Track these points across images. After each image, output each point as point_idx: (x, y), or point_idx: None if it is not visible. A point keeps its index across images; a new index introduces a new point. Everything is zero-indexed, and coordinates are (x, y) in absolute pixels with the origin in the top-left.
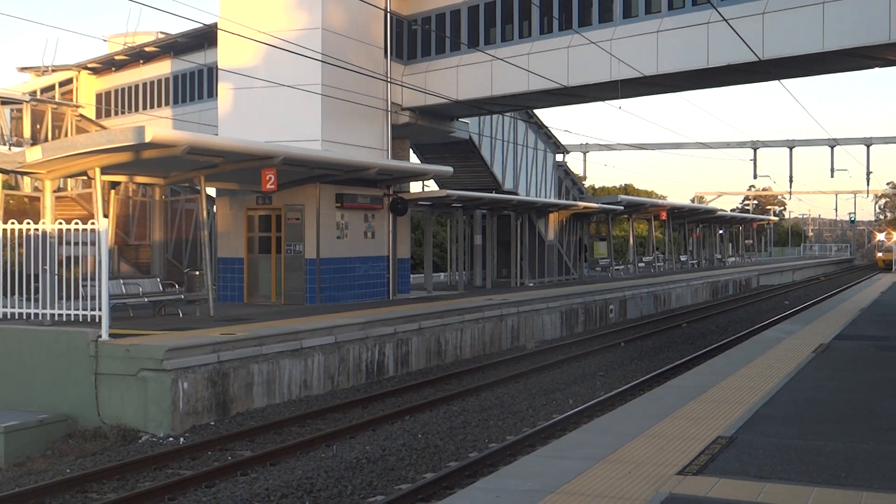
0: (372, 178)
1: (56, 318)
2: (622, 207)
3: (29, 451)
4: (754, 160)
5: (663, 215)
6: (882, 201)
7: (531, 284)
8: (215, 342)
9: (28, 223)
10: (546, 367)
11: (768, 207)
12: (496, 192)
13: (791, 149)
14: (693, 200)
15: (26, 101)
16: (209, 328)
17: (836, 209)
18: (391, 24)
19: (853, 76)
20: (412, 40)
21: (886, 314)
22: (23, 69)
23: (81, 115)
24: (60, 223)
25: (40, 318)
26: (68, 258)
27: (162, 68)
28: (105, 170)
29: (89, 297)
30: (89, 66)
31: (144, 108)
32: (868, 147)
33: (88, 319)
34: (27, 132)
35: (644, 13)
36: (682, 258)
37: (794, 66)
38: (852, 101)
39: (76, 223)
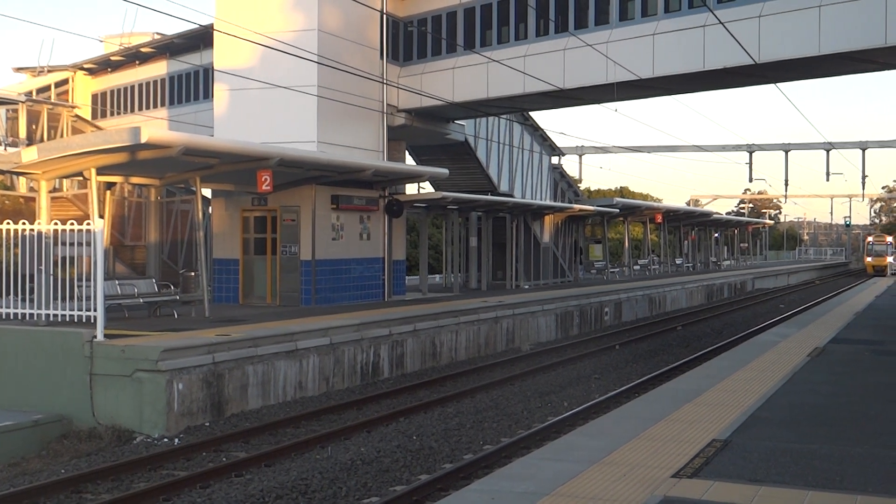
0: (367, 179)
1: (51, 318)
2: (618, 210)
3: (23, 451)
4: (750, 163)
5: (659, 218)
6: (877, 205)
7: (526, 287)
8: (210, 343)
9: (24, 223)
10: (541, 369)
11: (764, 211)
12: (492, 195)
13: (787, 152)
14: (688, 203)
15: (22, 102)
16: (204, 329)
17: (831, 213)
18: (387, 25)
19: (849, 80)
20: (408, 42)
21: (881, 318)
22: (18, 69)
23: (77, 116)
24: (56, 224)
25: (35, 318)
26: (64, 259)
27: (158, 69)
28: (101, 170)
29: (84, 297)
30: (85, 66)
31: (140, 108)
32: (863, 151)
33: (84, 320)
34: (23, 132)
35: (640, 16)
36: (678, 261)
37: (790, 70)
38: (848, 104)
39: (72, 224)
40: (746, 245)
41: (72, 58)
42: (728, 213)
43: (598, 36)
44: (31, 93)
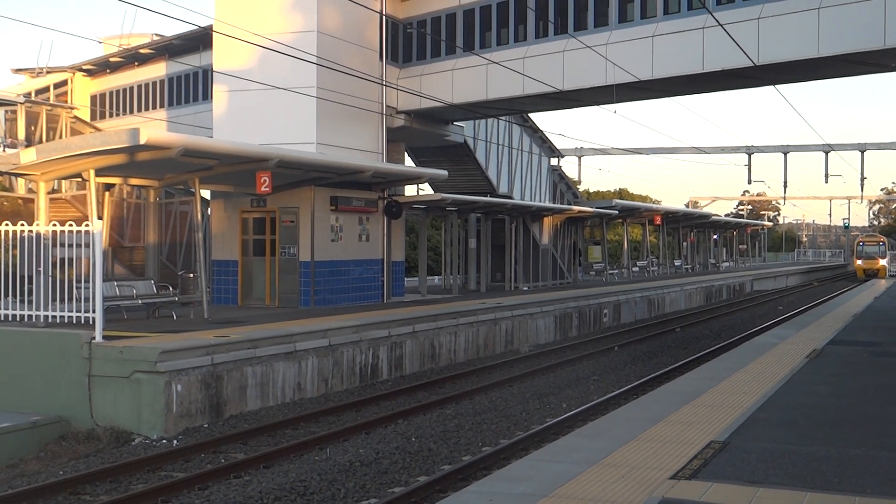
0: (367, 181)
1: (50, 319)
2: (617, 212)
3: (22, 452)
4: (749, 165)
5: (658, 220)
6: (876, 207)
7: (525, 288)
8: (209, 345)
9: (22, 225)
10: (540, 370)
11: (762, 212)
12: (491, 196)
13: (785, 154)
14: (687, 205)
15: (21, 103)
16: (203, 330)
17: (830, 215)
18: (386, 27)
19: (848, 82)
20: (407, 43)
21: (880, 320)
22: (17, 71)
23: (76, 117)
24: (54, 225)
25: (34, 319)
26: (62, 260)
27: (157, 70)
28: (99, 172)
29: (83, 298)
30: (84, 67)
31: (139, 110)
32: (862, 153)
33: (82, 321)
34: (21, 134)
35: (640, 18)
36: (677, 263)
37: (789, 72)
38: (847, 106)
39: (70, 225)
40: (745, 247)
41: (71, 59)
42: (727, 215)
43: (597, 38)
44: (29, 94)
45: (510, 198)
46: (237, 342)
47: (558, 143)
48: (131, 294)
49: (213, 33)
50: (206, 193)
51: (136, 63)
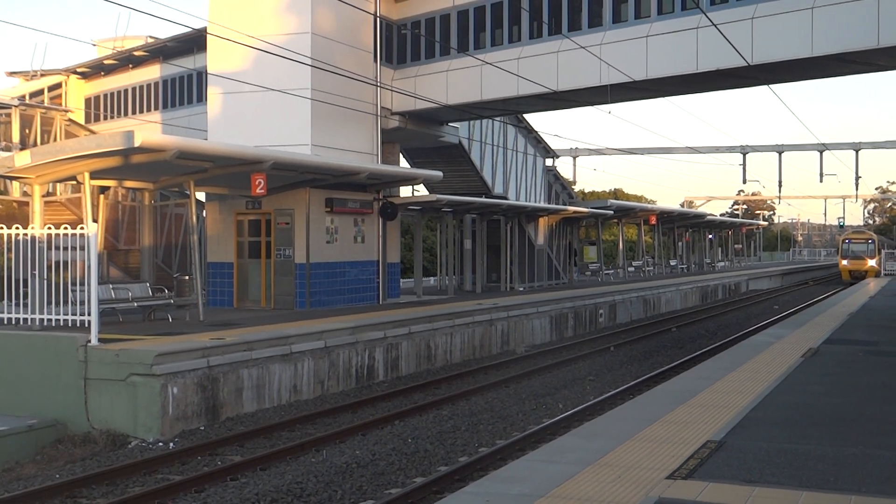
0: (362, 182)
1: (45, 323)
2: (612, 212)
3: (18, 456)
4: (744, 165)
5: (653, 220)
6: (871, 206)
7: (521, 289)
8: (205, 347)
9: (17, 228)
10: (536, 371)
11: (757, 212)
12: (486, 197)
13: (780, 153)
14: (682, 205)
15: (15, 106)
16: (199, 333)
17: (825, 214)
18: (381, 28)
19: (842, 81)
20: (402, 45)
21: (875, 318)
22: (11, 74)
23: (70, 120)
24: (49, 228)
25: (29, 323)
26: (57, 263)
27: (151, 73)
28: (94, 174)
29: (78, 301)
30: (78, 70)
31: (134, 112)
32: (857, 152)
33: (78, 324)
34: (16, 137)
35: (633, 18)
36: (672, 262)
37: (783, 71)
38: (841, 106)
39: (65, 228)
40: (740, 246)
41: (65, 62)
42: (722, 215)
43: (591, 38)
44: (24, 97)
45: (505, 198)
46: (233, 344)
47: (553, 144)
48: (127, 297)
49: (208, 35)
50: (201, 196)
51: (131, 65)
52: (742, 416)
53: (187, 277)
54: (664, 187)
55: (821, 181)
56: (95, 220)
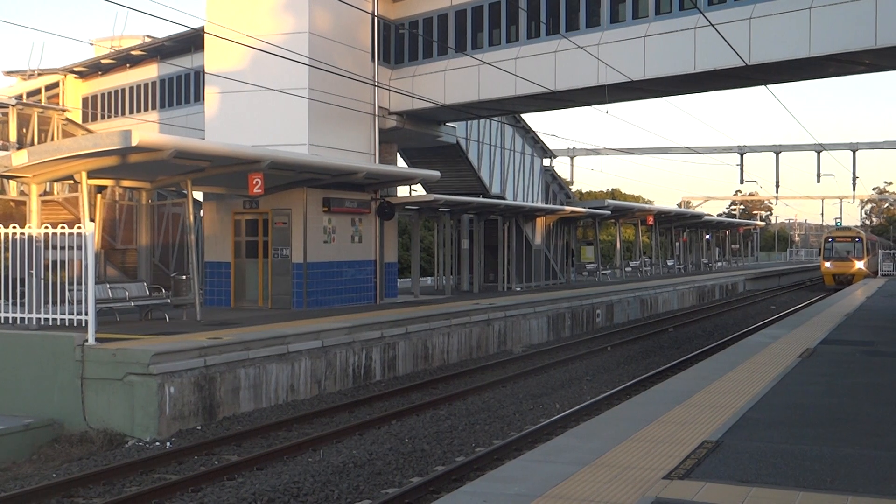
0: (359, 182)
1: (42, 322)
2: (609, 212)
3: (15, 455)
4: (741, 165)
5: (650, 220)
6: (868, 206)
7: (518, 289)
8: (202, 346)
9: (14, 227)
10: (533, 371)
11: (755, 212)
12: (483, 197)
13: (777, 154)
14: (680, 205)
15: (12, 105)
16: (196, 332)
17: (822, 214)
18: (378, 28)
19: (840, 81)
20: (399, 44)
21: (872, 319)
22: (9, 73)
23: (68, 119)
24: (46, 227)
25: (26, 322)
26: (54, 262)
27: (148, 72)
28: (91, 174)
29: (75, 301)
30: (76, 69)
31: (131, 111)
32: (854, 152)
33: (75, 324)
34: (13, 136)
35: (631, 18)
36: (669, 263)
37: (780, 71)
38: (839, 106)
39: (62, 227)
40: (738, 246)
41: (62, 61)
42: (719, 215)
43: (589, 38)
44: (21, 96)
45: (503, 198)
46: (230, 344)
47: (550, 144)
48: (124, 296)
49: (205, 35)
50: (198, 195)
51: (128, 65)
52: (739, 417)
53: (184, 277)
54: (661, 187)
55: (818, 181)
56: (92, 220)
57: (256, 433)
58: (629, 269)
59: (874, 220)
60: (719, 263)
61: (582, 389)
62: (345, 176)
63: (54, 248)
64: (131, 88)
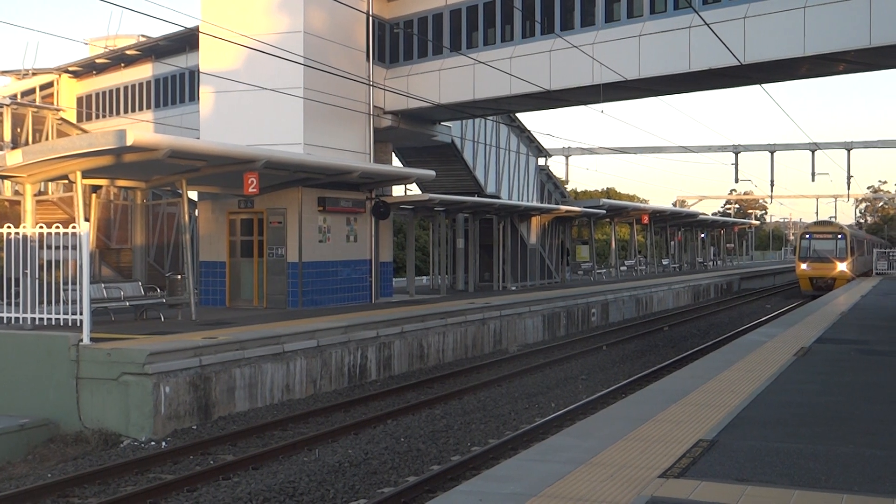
0: (354, 181)
1: (37, 322)
2: (604, 211)
3: (10, 455)
4: (736, 164)
5: (645, 219)
6: (863, 205)
7: (513, 288)
8: (197, 346)
9: (8, 227)
10: (528, 370)
11: (750, 211)
12: (478, 196)
13: (772, 153)
14: (675, 204)
15: (7, 105)
16: (191, 332)
17: (816, 213)
18: (373, 27)
19: (834, 80)
20: (394, 44)
21: (867, 318)
22: (3, 73)
23: (62, 119)
24: (41, 227)
25: (21, 322)
26: (49, 262)
27: (143, 72)
28: (86, 173)
29: (70, 301)
30: (70, 69)
31: (126, 111)
32: (849, 151)
33: (70, 323)
34: (7, 136)
35: (626, 17)
36: (664, 262)
37: (775, 71)
38: (833, 105)
39: (57, 227)
40: (732, 245)
41: (57, 61)
42: (714, 214)
43: (583, 37)
44: (15, 96)
45: (498, 198)
46: (225, 343)
47: (546, 143)
48: (119, 296)
49: (200, 34)
50: (193, 195)
51: (123, 64)
52: (734, 415)
53: (179, 276)
54: (656, 186)
55: (813, 180)
56: (87, 219)
57: (252, 433)
58: (624, 268)
59: (869, 218)
60: (714, 262)
61: (577, 388)
62: (340, 175)
63: (49, 247)
64: (126, 88)
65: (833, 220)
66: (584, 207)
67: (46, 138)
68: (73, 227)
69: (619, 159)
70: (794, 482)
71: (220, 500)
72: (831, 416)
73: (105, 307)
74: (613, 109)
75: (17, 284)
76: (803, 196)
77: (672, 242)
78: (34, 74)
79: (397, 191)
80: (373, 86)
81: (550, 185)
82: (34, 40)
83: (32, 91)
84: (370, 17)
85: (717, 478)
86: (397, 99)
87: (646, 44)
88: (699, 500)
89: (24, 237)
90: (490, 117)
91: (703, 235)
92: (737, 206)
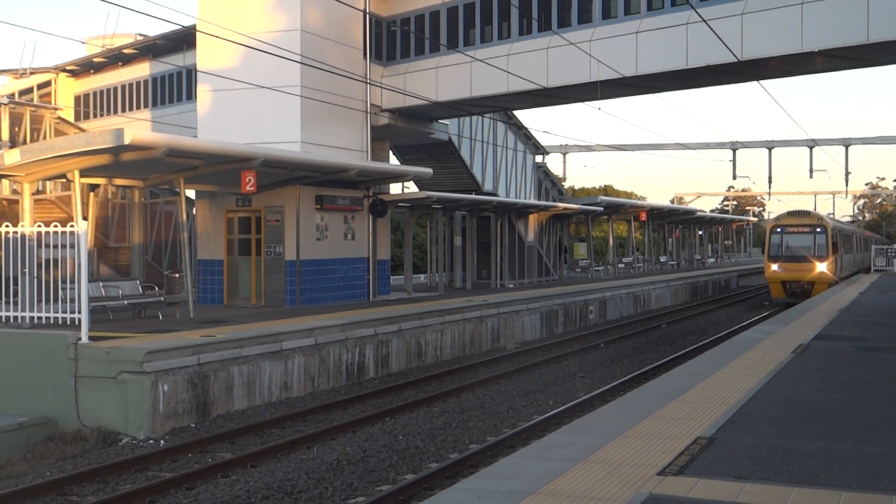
0: (352, 179)
1: (35, 320)
2: (602, 208)
3: (9, 454)
4: (733, 161)
5: (643, 216)
6: (860, 202)
7: (511, 285)
8: (195, 344)
9: (7, 226)
10: (526, 368)
11: (747, 208)
12: (476, 194)
13: (770, 149)
14: (672, 201)
15: (4, 104)
16: (189, 330)
17: (814, 209)
18: (370, 25)
19: (832, 77)
20: (391, 41)
21: (865, 314)
22: (1, 72)
23: (60, 118)
24: (39, 226)
25: (19, 320)
26: (47, 261)
27: (140, 70)
28: (84, 172)
29: (69, 299)
30: (67, 68)
31: (123, 110)
32: (846, 148)
33: (68, 322)
34: (5, 135)
35: (623, 14)
36: (662, 259)
37: (773, 67)
38: (831, 101)
39: (55, 226)
40: (730, 242)
41: (54, 59)
42: (712, 211)
43: (581, 34)
44: (13, 95)
45: (495, 195)
46: (223, 342)
47: (543, 140)
48: (117, 294)
49: (197, 33)
50: (191, 193)
51: (120, 63)
52: (732, 413)
53: (177, 275)
54: (654, 184)
55: (811, 177)
56: (85, 218)
57: (250, 431)
58: (622, 265)
59: (867, 215)
60: (712, 259)
61: (575, 386)
62: (337, 173)
63: (47, 246)
64: (123, 87)
65: (811, 212)
66: (582, 205)
67: (44, 137)
68: (72, 226)
69: (617, 156)
70: (792, 479)
71: (219, 498)
72: (830, 413)
73: (103, 306)
74: (611, 106)
75: (15, 283)
76: (801, 193)
77: (670, 240)
78: (32, 73)
79: (395, 189)
80: (370, 84)
81: (548, 183)
82: (32, 39)
83: (30, 90)
84: (367, 15)
85: (716, 475)
86: (394, 97)
87: (643, 41)
88: (697, 498)
89: (23, 236)
90: (487, 115)
91: (700, 232)
92: (735, 202)
